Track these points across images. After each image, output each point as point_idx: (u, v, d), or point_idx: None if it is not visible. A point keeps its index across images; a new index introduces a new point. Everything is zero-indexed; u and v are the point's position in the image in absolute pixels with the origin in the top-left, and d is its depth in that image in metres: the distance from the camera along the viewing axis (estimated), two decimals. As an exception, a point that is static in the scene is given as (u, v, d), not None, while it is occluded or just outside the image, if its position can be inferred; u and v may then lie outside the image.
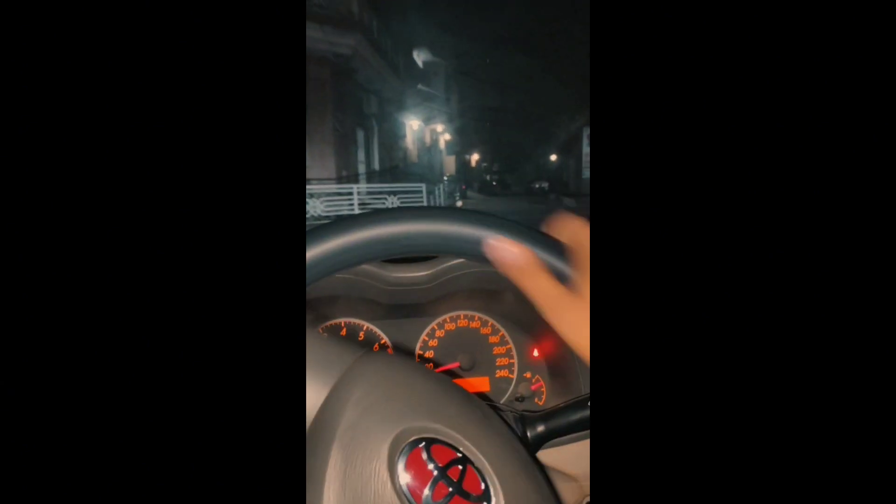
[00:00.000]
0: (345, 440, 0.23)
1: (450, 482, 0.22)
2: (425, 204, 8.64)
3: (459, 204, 9.45)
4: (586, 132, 12.16)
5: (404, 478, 0.22)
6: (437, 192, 10.06)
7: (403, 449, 0.23)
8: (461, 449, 0.24)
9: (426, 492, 0.22)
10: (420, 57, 18.21)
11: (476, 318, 0.65)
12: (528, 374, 0.63)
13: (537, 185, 21.26)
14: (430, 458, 0.23)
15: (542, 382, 0.63)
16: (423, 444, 0.23)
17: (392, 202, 8.22)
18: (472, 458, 0.23)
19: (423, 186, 8.99)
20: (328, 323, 0.63)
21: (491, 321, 0.65)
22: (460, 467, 0.23)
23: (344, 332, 0.63)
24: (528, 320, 0.63)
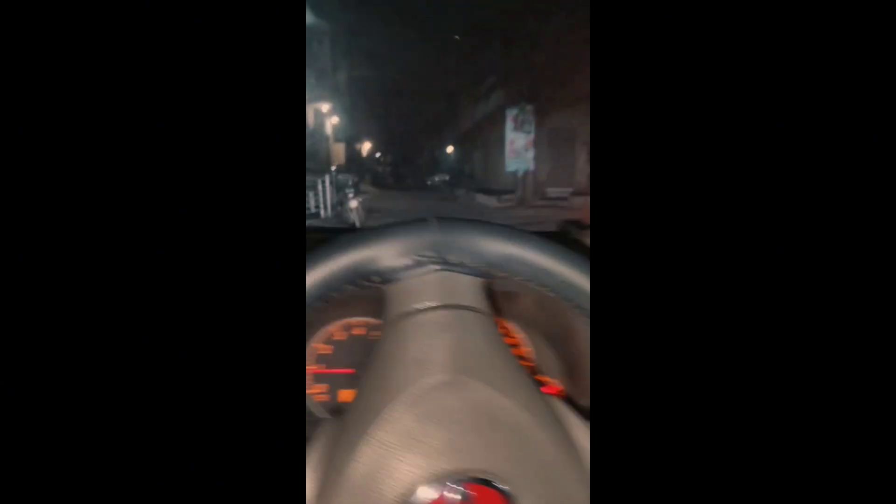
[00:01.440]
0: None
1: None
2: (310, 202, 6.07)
3: (355, 204, 6.75)
4: (511, 114, 10.13)
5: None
6: (320, 187, 7.34)
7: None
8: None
9: None
10: (299, 17, 14.92)
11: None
12: (547, 378, 0.65)
13: (437, 179, 19.19)
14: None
15: (560, 386, 0.65)
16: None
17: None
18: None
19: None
20: (345, 321, 0.65)
21: (509, 325, 0.66)
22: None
23: (365, 331, 0.65)
24: (545, 324, 0.64)
